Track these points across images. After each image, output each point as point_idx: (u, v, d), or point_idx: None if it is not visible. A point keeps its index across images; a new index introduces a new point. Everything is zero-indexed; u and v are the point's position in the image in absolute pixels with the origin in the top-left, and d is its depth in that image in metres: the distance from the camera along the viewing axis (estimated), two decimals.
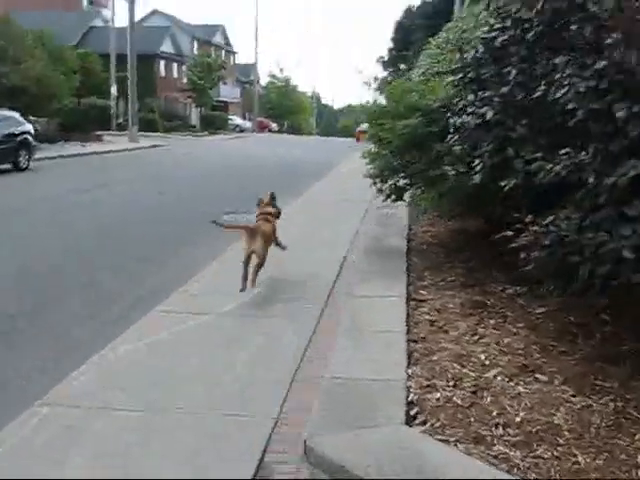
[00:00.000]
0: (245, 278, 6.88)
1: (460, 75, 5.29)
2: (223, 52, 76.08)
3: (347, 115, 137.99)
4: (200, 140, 47.08)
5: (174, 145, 38.42)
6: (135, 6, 39.65)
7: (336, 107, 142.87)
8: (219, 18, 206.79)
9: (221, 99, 69.99)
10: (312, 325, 5.39)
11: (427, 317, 4.96)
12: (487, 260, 6.35)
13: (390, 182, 7.19)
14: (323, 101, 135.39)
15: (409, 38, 46.94)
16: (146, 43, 54.02)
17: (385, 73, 51.98)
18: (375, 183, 7.58)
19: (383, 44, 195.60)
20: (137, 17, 45.76)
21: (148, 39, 56.11)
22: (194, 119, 63.91)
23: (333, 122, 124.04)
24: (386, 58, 51.95)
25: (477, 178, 4.92)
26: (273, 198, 7.78)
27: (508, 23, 4.76)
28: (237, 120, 73.25)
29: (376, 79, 52.33)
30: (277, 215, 7.70)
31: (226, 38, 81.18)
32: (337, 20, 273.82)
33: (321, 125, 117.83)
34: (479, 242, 6.84)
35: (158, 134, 47.18)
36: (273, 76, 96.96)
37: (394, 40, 51.15)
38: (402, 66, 51.40)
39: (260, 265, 7.10)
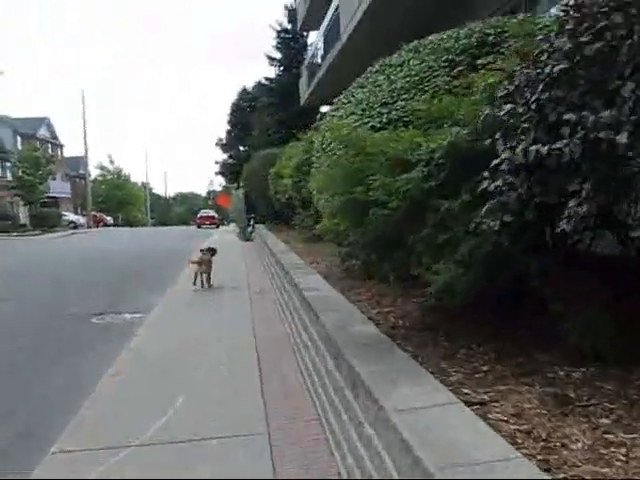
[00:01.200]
0: (195, 282, 14.20)
1: (534, 97, 3.89)
2: (50, 146, 72.64)
3: (180, 203, 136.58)
4: (35, 240, 43.55)
5: (7, 247, 35.08)
6: None
7: (168, 196, 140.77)
8: (43, 110, 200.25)
9: (51, 195, 66.42)
10: None
11: (514, 427, 3.47)
12: (508, 339, 5.03)
13: (360, 258, 5.75)
14: (154, 190, 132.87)
15: (247, 118, 46.52)
16: None
17: (225, 155, 51.24)
18: (344, 261, 6.10)
19: (215, 128, 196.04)
20: None
21: None
22: (23, 217, 59.91)
23: (166, 211, 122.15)
24: (225, 141, 51.11)
25: (566, 225, 3.56)
26: (209, 249, 14.62)
27: (618, 19, 3.48)
28: (70, 216, 69.63)
29: (217, 162, 51.67)
30: (214, 253, 14.59)
31: (52, 131, 77.82)
32: (167, 108, 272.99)
33: (155, 215, 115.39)
34: (472, 319, 5.50)
35: None
36: (103, 168, 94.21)
37: (231, 122, 50.55)
38: (241, 148, 51.47)
39: (209, 274, 14.17)
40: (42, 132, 74.05)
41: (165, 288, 15.05)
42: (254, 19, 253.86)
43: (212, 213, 67.23)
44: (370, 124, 6.56)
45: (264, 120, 38.18)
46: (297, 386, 6.65)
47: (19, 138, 68.00)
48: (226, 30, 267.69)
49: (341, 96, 8.47)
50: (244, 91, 49.82)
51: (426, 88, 6.26)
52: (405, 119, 5.76)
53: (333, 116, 8.30)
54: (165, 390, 6.77)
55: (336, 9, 20.76)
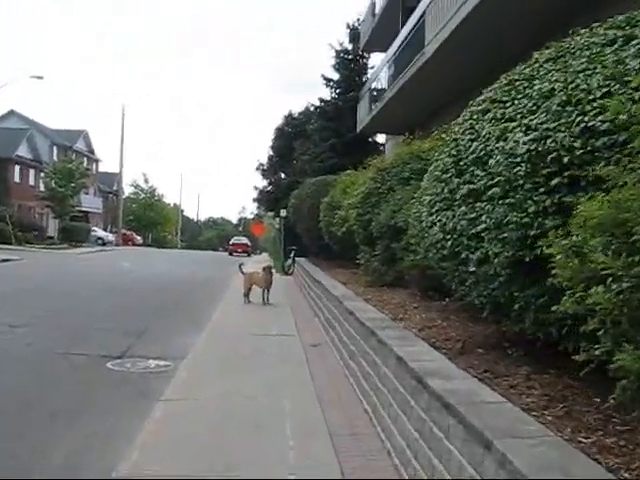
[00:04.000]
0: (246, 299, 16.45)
1: None
2: (85, 159, 71.07)
3: (210, 228, 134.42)
4: (61, 254, 41.40)
5: (31, 260, 32.83)
6: None
7: (199, 219, 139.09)
8: (81, 123, 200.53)
9: (82, 209, 64.73)
10: None
11: None
12: None
13: None
14: (185, 213, 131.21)
15: (290, 145, 44.10)
16: (0, 146, 48.97)
17: (265, 182, 48.86)
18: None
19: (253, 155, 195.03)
20: None
21: (3, 141, 51.10)
22: (52, 230, 58.08)
23: (196, 235, 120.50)
24: (265, 167, 48.76)
25: None
26: (269, 267, 17.08)
27: None
28: (99, 232, 67.83)
29: (256, 188, 49.27)
30: (271, 269, 16.96)
31: (89, 144, 76.39)
32: (206, 131, 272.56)
33: (185, 238, 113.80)
34: None
35: (9, 246, 41.41)
36: (137, 186, 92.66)
37: (273, 148, 48.19)
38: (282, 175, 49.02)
39: (268, 290, 16.43)
40: (79, 145, 72.34)
41: (199, 325, 12.66)
42: (307, 49, 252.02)
43: (245, 241, 65.16)
44: (589, 124, 3.93)
45: (314, 145, 35.69)
46: None
47: (55, 149, 66.40)
48: (275, 57, 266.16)
49: (486, 94, 5.88)
50: (290, 116, 47.38)
51: None
52: None
53: (477, 120, 5.68)
54: None
55: (419, 20, 18.24)
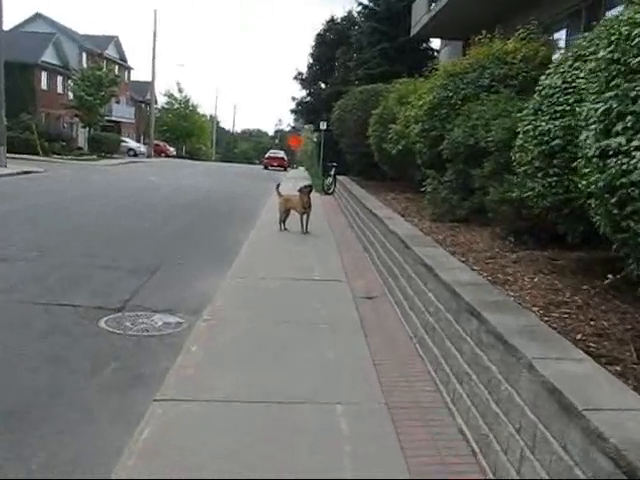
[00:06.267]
0: (282, 226, 14.09)
1: None
2: (117, 67, 68.08)
3: (246, 140, 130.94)
4: (88, 166, 39.13)
5: (55, 172, 30.56)
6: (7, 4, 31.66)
7: (234, 131, 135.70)
8: (113, 28, 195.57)
9: (113, 119, 62.34)
10: None
11: None
12: None
13: None
14: (221, 124, 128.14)
15: (332, 52, 40.76)
16: (25, 51, 46.51)
17: (303, 92, 45.62)
18: None
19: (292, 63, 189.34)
20: (16, 20, 38.12)
21: (27, 46, 48.36)
22: (81, 140, 55.84)
23: (231, 147, 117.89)
24: (305, 76, 45.40)
25: None
26: (307, 187, 14.35)
27: None
28: (131, 143, 65.47)
29: (294, 99, 46.12)
30: (311, 190, 14.27)
31: (120, 51, 73.12)
32: (243, 37, 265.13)
33: (220, 150, 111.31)
34: None
35: (36, 157, 39.39)
36: (170, 95, 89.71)
37: (314, 55, 44.67)
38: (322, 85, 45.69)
39: (308, 215, 13.87)
40: (110, 52, 68.79)
41: (224, 261, 10.40)
42: None
43: (281, 154, 62.36)
44: None
45: (360, 51, 32.33)
46: None
47: (84, 56, 63.12)
48: None
49: None
50: (332, 22, 43.49)
51: None
52: None
53: None
54: None
55: None
